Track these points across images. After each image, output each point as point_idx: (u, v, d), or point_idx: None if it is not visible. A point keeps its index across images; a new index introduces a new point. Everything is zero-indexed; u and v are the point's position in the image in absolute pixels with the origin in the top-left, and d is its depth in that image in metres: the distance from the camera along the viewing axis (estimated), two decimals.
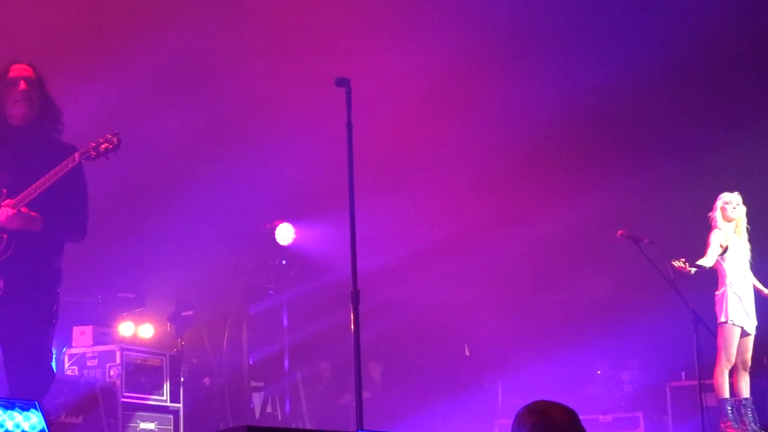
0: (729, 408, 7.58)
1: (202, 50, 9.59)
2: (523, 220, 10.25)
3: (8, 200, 4.57)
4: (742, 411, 7.60)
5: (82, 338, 7.95)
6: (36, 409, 3.12)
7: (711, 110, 10.20)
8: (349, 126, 4.81)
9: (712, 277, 7.86)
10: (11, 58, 4.90)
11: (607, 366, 9.80)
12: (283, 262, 9.72)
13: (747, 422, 7.56)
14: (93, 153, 4.65)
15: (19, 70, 4.79)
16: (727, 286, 7.59)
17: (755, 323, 7.65)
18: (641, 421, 8.78)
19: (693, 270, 7.53)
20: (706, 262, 7.66)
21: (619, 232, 7.45)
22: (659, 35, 9.83)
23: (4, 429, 3.09)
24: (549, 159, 10.49)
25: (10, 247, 4.60)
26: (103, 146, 4.70)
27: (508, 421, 2.54)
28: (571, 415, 2.45)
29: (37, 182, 4.65)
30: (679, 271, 7.49)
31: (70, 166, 4.65)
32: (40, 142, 4.88)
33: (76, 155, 4.65)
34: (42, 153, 4.84)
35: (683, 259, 7.50)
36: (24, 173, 4.72)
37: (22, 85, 4.72)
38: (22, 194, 4.60)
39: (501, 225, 10.40)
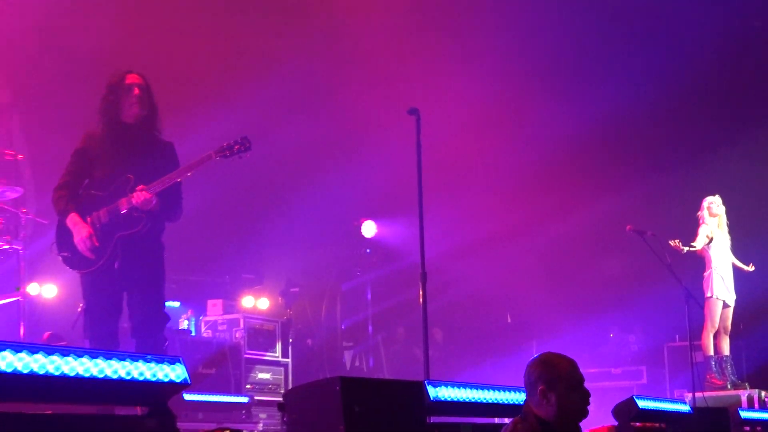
0: (713, 363, 8.43)
1: (309, 81, 10.35)
2: (555, 216, 10.81)
3: (141, 185, 4.85)
4: (723, 365, 8.43)
5: (214, 309, 8.70)
6: (180, 363, 3.15)
7: (700, 132, 10.69)
8: (419, 146, 5.55)
9: (699, 263, 8.63)
10: (126, 68, 5.21)
11: (617, 330, 10.43)
12: (368, 250, 10.49)
13: (727, 374, 8.40)
14: (227, 152, 5.01)
15: (133, 78, 5.11)
16: (713, 269, 8.37)
17: (734, 297, 8.51)
18: (644, 374, 9.37)
19: (685, 249, 8.35)
20: (696, 244, 8.44)
21: (628, 226, 8.06)
22: (657, 71, 10.38)
23: (156, 379, 3.11)
24: (574, 168, 10.90)
25: (146, 225, 4.93)
26: (236, 147, 5.02)
27: None
28: (571, 365, 3.06)
29: (174, 173, 4.99)
30: (674, 249, 8.26)
31: (205, 162, 5.06)
32: (148, 137, 5.15)
33: (212, 153, 5.00)
34: (151, 147, 5.17)
35: (678, 240, 8.26)
36: (144, 164, 5.00)
37: (136, 91, 5.02)
38: (156, 182, 4.90)
39: (538, 220, 10.96)
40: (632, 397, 5.00)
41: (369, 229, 10.30)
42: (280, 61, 10.29)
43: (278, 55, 10.36)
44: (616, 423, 4.96)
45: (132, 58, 7.60)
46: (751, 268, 8.87)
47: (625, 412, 4.87)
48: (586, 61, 10.92)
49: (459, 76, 11.00)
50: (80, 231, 4.78)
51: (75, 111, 7.93)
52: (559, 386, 3.13)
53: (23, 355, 2.48)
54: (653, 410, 5.20)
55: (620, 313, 10.53)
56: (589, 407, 3.21)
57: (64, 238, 4.96)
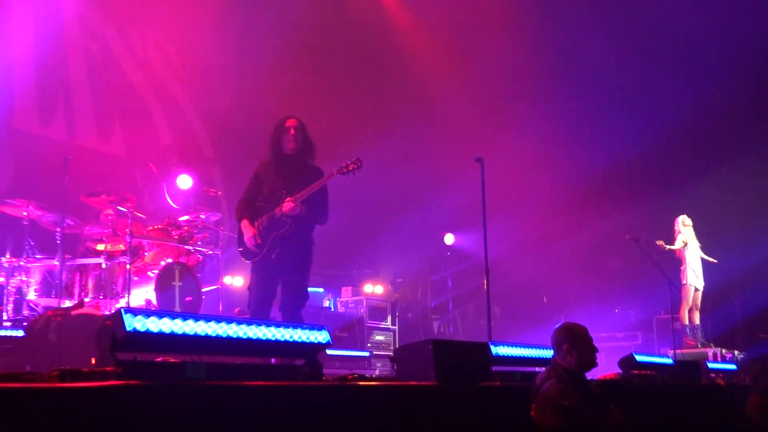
0: (688, 330, 9.46)
1: (408, 137, 11.32)
2: (580, 227, 11.47)
3: (289, 197, 5.19)
4: (695, 331, 9.47)
5: (346, 293, 9.50)
6: (325, 330, 3.44)
7: (678, 171, 11.30)
8: (483, 185, 6.13)
9: (678, 260, 9.61)
10: (287, 114, 5.60)
11: (620, 307, 11.29)
12: (448, 253, 11.67)
13: (698, 337, 9.39)
14: (344, 170, 5.32)
15: (291, 122, 5.49)
16: (687, 265, 9.45)
17: (703, 284, 9.56)
18: (639, 337, 9.99)
19: (667, 247, 9.39)
20: (674, 246, 9.43)
21: (627, 235, 8.94)
22: (652, 128, 10.89)
23: (310, 341, 3.37)
24: (594, 193, 11.39)
25: (291, 227, 5.25)
26: (351, 166, 5.35)
27: None
28: (585, 330, 3.71)
29: (309, 187, 5.25)
30: (659, 247, 9.29)
31: (330, 178, 5.35)
32: (301, 165, 5.49)
33: (334, 171, 5.32)
34: (302, 171, 5.48)
35: (662, 241, 9.30)
36: (294, 182, 5.35)
37: (292, 131, 5.44)
38: (299, 194, 5.21)
39: (567, 230, 11.57)
40: (631, 353, 5.59)
41: (449, 238, 11.72)
42: (389, 123, 11.49)
43: (386, 119, 11.60)
44: (620, 371, 5.55)
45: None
46: (714, 261, 9.72)
47: (627, 363, 5.52)
48: (606, 115, 11.42)
49: (514, 130, 11.79)
50: (248, 232, 5.26)
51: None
52: (578, 345, 3.70)
53: (223, 324, 2.92)
54: (647, 362, 5.72)
55: (622, 295, 11.36)
56: (597, 360, 3.79)
57: (240, 237, 5.43)
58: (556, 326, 3.95)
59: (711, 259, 9.70)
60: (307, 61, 10.92)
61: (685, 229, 9.58)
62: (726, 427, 5.80)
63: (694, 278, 9.50)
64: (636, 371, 5.47)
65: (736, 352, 9.32)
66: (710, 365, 7.15)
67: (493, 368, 4.23)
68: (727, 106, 10.95)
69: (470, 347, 4.26)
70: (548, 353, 4.55)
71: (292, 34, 10.55)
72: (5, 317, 6.56)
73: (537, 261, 11.64)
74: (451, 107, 11.99)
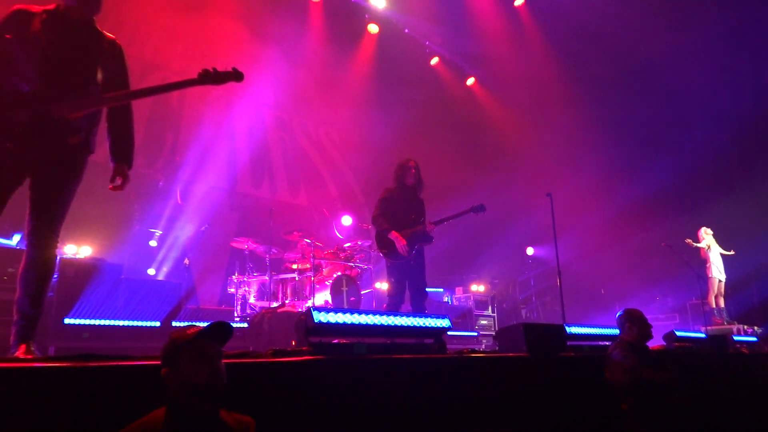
0: (715, 311, 9.68)
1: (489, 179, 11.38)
2: (631, 234, 11.50)
3: (431, 222, 5.38)
4: (722, 313, 9.71)
5: (458, 291, 9.97)
6: (447, 318, 3.46)
7: (706, 194, 11.06)
8: (552, 214, 6.38)
9: (702, 261, 9.87)
10: (408, 157, 5.65)
11: (661, 296, 11.33)
12: (530, 261, 12.08)
13: (723, 317, 9.62)
14: (475, 210, 5.51)
15: (411, 162, 5.59)
16: (711, 263, 9.77)
17: (725, 276, 9.81)
18: (677, 318, 10.23)
19: (694, 245, 9.67)
20: (699, 245, 9.73)
21: (663, 243, 9.35)
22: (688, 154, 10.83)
23: (438, 325, 3.42)
24: (642, 209, 11.24)
25: (430, 241, 5.41)
26: (477, 209, 5.50)
27: None
28: (641, 313, 4.03)
29: (447, 216, 5.42)
30: (688, 245, 9.62)
31: (464, 213, 5.49)
32: (415, 195, 5.60)
33: (468, 209, 5.50)
34: (416, 199, 5.58)
35: (690, 239, 9.70)
36: (413, 208, 5.49)
37: (412, 170, 5.56)
38: (438, 220, 5.41)
39: (621, 238, 11.60)
40: (672, 330, 5.74)
41: (530, 250, 12.24)
42: (483, 170, 12.00)
43: (481, 167, 12.10)
44: (664, 344, 5.64)
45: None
46: (732, 252, 9.85)
47: (669, 338, 5.66)
48: (644, 153, 11.56)
49: (574, 170, 11.91)
50: (400, 241, 5.28)
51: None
52: (637, 323, 3.89)
53: (377, 316, 3.11)
54: (685, 336, 5.81)
55: (661, 287, 11.30)
56: (652, 333, 3.95)
57: (384, 242, 5.41)
58: (620, 311, 4.07)
59: (729, 252, 9.79)
60: (423, 128, 11.44)
61: (707, 237, 9.85)
62: (750, 385, 5.72)
63: (717, 272, 9.72)
64: (677, 344, 5.58)
65: (755, 328, 9.27)
66: (735, 338, 7.12)
67: (568, 343, 4.31)
68: (737, 143, 10.91)
69: (550, 328, 4.27)
70: (608, 331, 4.81)
71: (413, 110, 11.24)
72: (235, 315, 7.14)
73: (596, 263, 11.51)
74: (526, 156, 12.37)
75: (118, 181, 3.24)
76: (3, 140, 2.75)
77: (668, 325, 9.42)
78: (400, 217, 5.48)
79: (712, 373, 5.43)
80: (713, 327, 9.07)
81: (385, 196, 5.59)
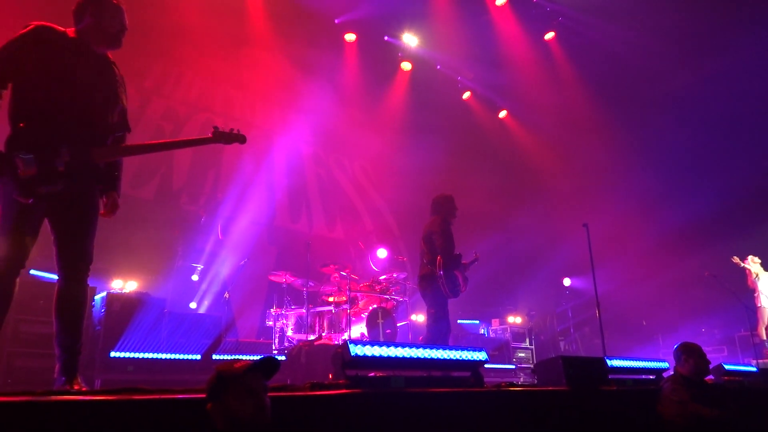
0: (766, 343, 9.31)
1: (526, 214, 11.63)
2: (671, 265, 11.15)
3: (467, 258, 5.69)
4: None
5: (495, 323, 9.96)
6: (483, 351, 3.42)
7: (746, 228, 10.74)
8: (589, 245, 6.29)
9: (750, 291, 9.58)
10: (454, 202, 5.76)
11: (706, 326, 10.98)
12: (567, 292, 11.78)
13: None
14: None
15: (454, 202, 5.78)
16: (760, 292, 9.51)
17: None
18: (726, 351, 9.95)
19: (742, 264, 9.46)
20: (745, 265, 9.53)
21: (706, 272, 9.15)
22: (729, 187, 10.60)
23: (474, 359, 3.36)
24: (684, 237, 11.03)
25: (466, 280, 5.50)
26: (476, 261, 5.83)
27: (668, 355, 4.43)
28: (699, 347, 3.98)
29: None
30: (735, 264, 9.47)
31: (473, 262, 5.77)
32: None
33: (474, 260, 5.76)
34: None
35: (737, 257, 9.55)
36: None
37: (456, 213, 5.86)
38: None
39: (658, 269, 11.31)
40: (721, 363, 5.52)
41: (567, 281, 12.04)
42: (520, 201, 12.04)
43: (517, 198, 12.21)
44: (713, 378, 5.35)
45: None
46: None
47: (718, 371, 5.42)
48: (683, 182, 11.31)
49: (609, 199, 11.81)
50: (464, 281, 5.68)
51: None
52: (693, 355, 3.86)
53: (414, 349, 3.13)
54: (734, 370, 5.60)
55: (709, 318, 10.89)
56: (708, 368, 3.91)
57: (451, 276, 5.52)
58: (678, 344, 4.03)
59: None
60: (456, 161, 11.65)
61: (754, 265, 9.64)
62: None
63: (766, 302, 9.45)
64: (726, 377, 5.38)
65: None
66: None
67: (610, 376, 4.21)
68: None
69: (590, 361, 4.19)
70: (652, 364, 4.67)
71: (446, 144, 11.47)
72: (274, 347, 7.14)
73: (636, 294, 11.31)
74: (561, 186, 12.38)
75: (111, 209, 3.21)
76: (42, 184, 2.76)
77: (716, 358, 9.17)
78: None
79: (763, 408, 5.21)
80: (765, 360, 8.78)
81: (447, 228, 5.64)
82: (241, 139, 3.36)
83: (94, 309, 5.26)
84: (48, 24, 2.98)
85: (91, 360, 4.85)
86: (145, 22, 7.44)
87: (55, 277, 2.94)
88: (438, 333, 5.41)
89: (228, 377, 1.83)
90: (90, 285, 3.14)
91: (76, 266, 2.95)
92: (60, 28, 3.04)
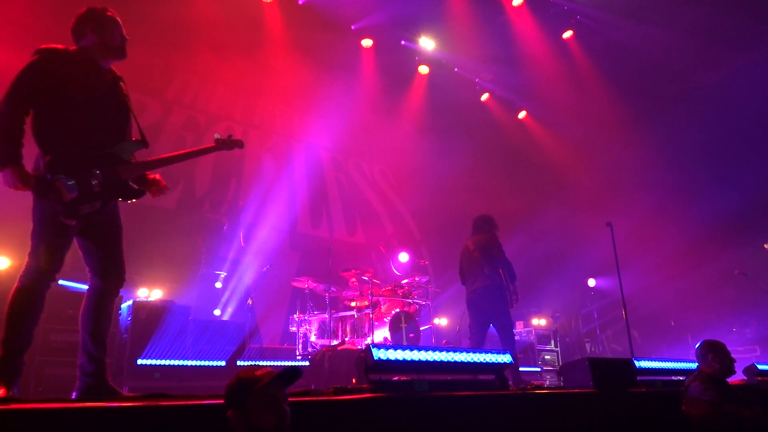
0: None
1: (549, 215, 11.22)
2: (700, 265, 11.00)
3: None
4: None
5: (519, 325, 9.57)
6: (509, 353, 3.42)
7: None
8: (614, 244, 6.30)
9: None
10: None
11: (737, 326, 10.69)
12: (592, 293, 11.41)
13: None
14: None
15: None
16: None
17: None
18: (758, 350, 9.65)
19: None
20: None
21: (736, 271, 9.21)
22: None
23: (498, 361, 3.35)
24: (706, 242, 10.88)
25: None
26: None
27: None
28: (724, 345, 3.87)
29: None
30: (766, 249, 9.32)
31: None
32: None
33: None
34: None
35: None
36: None
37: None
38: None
39: (689, 268, 11.11)
40: (753, 363, 5.37)
41: (591, 282, 11.76)
42: (544, 202, 11.76)
43: (541, 200, 11.85)
44: (745, 378, 5.29)
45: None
46: None
47: (750, 371, 5.29)
48: (707, 180, 11.20)
49: (633, 198, 11.68)
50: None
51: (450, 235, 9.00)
52: (721, 353, 3.79)
53: (438, 352, 3.12)
54: (766, 370, 5.40)
55: (740, 317, 10.72)
56: (735, 368, 3.82)
57: (515, 292, 5.98)
58: (701, 341, 3.94)
59: None
60: (477, 163, 11.55)
61: None
62: None
63: None
64: (759, 378, 5.27)
65: None
66: None
67: (638, 378, 4.19)
68: None
69: (617, 362, 4.18)
70: (682, 365, 4.62)
71: (466, 146, 11.37)
72: (297, 353, 7.22)
73: (663, 294, 11.23)
74: (583, 185, 12.19)
75: (159, 188, 3.39)
76: (84, 205, 2.92)
77: (749, 357, 9.08)
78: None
79: None
80: None
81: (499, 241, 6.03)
82: (239, 144, 3.54)
83: (120, 317, 5.38)
84: (54, 46, 3.06)
85: (119, 368, 4.97)
86: (163, 32, 7.53)
87: (82, 287, 3.04)
88: (514, 341, 5.79)
89: (250, 385, 1.81)
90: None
91: (113, 276, 3.11)
92: (62, 46, 3.10)
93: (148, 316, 5.30)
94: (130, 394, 3.11)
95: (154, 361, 5.12)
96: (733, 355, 4.22)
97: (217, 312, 7.42)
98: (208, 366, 5.38)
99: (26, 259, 2.89)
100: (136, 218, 6.56)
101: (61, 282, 4.99)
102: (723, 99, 10.71)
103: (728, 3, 9.26)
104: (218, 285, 7.64)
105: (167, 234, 7.29)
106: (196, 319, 5.75)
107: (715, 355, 3.77)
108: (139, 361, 5.05)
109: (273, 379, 1.83)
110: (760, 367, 5.37)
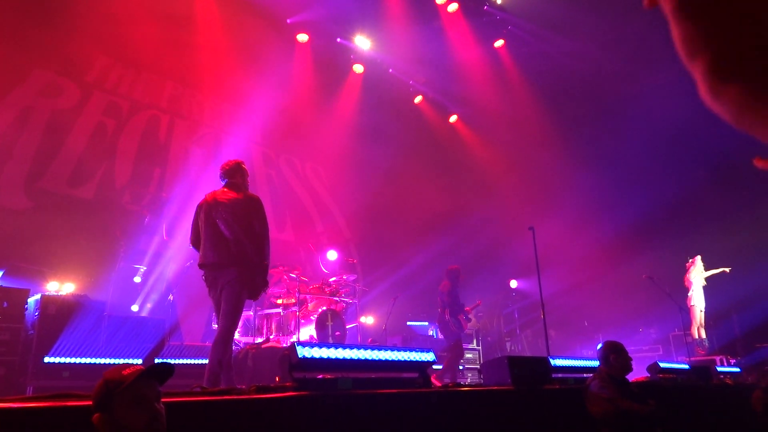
0: (697, 342, 9.69)
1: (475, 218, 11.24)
2: (610, 270, 11.42)
3: (468, 307, 6.95)
4: (704, 343, 9.74)
5: None
6: (431, 351, 3.42)
7: (693, 229, 10.91)
8: (535, 247, 6.51)
9: (684, 291, 9.90)
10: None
11: (644, 327, 11.28)
12: (513, 294, 11.86)
13: (706, 348, 9.63)
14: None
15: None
16: (693, 291, 9.87)
17: (704, 304, 9.81)
18: (660, 349, 10.11)
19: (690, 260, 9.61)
20: (692, 264, 9.72)
21: (644, 275, 9.19)
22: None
23: (422, 359, 3.37)
24: (618, 248, 11.22)
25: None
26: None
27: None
28: (623, 345, 3.91)
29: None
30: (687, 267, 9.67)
31: (475, 306, 6.78)
32: None
33: (479, 302, 6.66)
34: None
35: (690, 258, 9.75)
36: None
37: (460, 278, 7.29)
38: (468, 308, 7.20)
39: (599, 274, 11.59)
40: (656, 361, 5.67)
41: (513, 283, 12.30)
42: (469, 204, 11.94)
43: (466, 202, 11.97)
44: (648, 375, 5.56)
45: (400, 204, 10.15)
46: (728, 270, 9.73)
47: (653, 369, 5.58)
48: (624, 189, 11.50)
49: (554, 204, 12.03)
50: (466, 322, 7.23)
51: (379, 234, 9.40)
52: (622, 354, 3.86)
53: (362, 351, 3.18)
54: (668, 368, 5.78)
55: (644, 318, 11.29)
56: (632, 366, 3.90)
57: (456, 319, 6.99)
58: (602, 342, 4.04)
59: (720, 270, 9.84)
60: (407, 164, 11.70)
61: (699, 264, 9.97)
62: (735, 417, 5.64)
63: (699, 302, 9.81)
64: (661, 375, 5.54)
65: (738, 359, 9.21)
66: (719, 369, 7.18)
67: (553, 375, 4.36)
68: (715, 176, 11.09)
69: (535, 361, 4.32)
70: (592, 363, 4.75)
71: (398, 146, 11.53)
72: None
73: (579, 296, 11.59)
74: (509, 190, 12.51)
75: None
76: None
77: (651, 356, 9.42)
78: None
79: (695, 404, 5.41)
80: (697, 358, 9.02)
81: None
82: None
83: (27, 312, 5.04)
84: None
85: (23, 366, 4.68)
86: (81, 6, 7.14)
87: None
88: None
89: (114, 386, 1.67)
90: (22, 287, 2.95)
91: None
92: None
93: (58, 311, 5.03)
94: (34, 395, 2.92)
95: (63, 359, 4.88)
96: (637, 354, 4.30)
97: (134, 308, 7.13)
98: (123, 364, 5.10)
99: None
100: (47, 206, 6.35)
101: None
102: (640, 113, 11.29)
103: (650, 23, 9.59)
104: (137, 279, 7.35)
105: (82, 225, 6.91)
106: (111, 314, 5.50)
107: (618, 355, 3.87)
108: (47, 359, 4.80)
109: (139, 378, 1.68)
110: (662, 365, 5.59)
